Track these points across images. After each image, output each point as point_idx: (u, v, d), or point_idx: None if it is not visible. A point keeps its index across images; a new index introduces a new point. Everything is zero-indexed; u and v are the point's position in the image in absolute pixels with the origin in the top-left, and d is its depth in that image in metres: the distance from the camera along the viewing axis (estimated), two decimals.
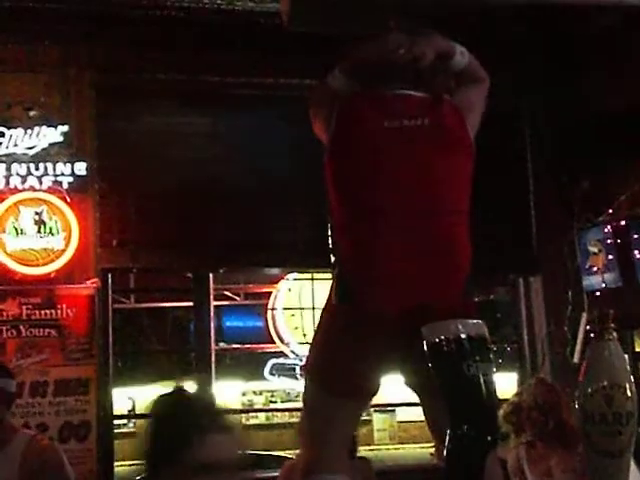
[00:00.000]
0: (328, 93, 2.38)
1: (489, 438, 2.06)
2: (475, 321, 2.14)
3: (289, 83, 6.22)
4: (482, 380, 2.04)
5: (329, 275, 6.86)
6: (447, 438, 1.97)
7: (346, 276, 2.26)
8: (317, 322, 2.45)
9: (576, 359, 6.38)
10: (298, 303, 8.11)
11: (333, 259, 2.38)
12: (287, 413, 14.48)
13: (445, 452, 2.00)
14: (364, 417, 16.05)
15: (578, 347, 6.42)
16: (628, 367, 2.41)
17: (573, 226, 6.72)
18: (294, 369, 8.92)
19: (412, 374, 2.32)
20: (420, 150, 2.29)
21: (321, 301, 7.53)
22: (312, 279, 7.83)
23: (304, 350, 8.43)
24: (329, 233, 6.68)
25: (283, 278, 8.69)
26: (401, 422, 15.99)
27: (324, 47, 6.19)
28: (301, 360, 8.61)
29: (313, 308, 7.75)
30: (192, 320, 6.93)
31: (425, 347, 2.09)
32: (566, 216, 6.67)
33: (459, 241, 2.36)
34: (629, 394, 2.25)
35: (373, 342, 2.22)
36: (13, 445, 3.16)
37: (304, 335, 8.18)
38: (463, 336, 2.06)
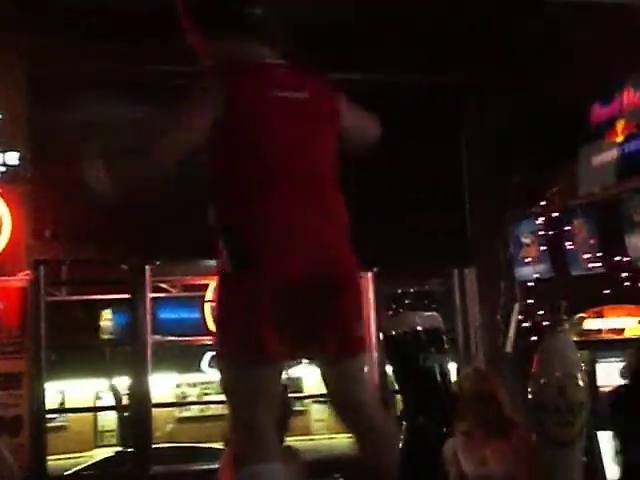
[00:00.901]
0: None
1: (445, 428, 2.11)
2: (430, 313, 2.20)
3: None
4: (437, 371, 2.09)
5: None
6: (403, 428, 2.01)
7: (242, 244, 2.30)
8: (215, 299, 2.46)
9: (508, 349, 6.53)
10: None
11: (219, 230, 2.36)
12: (221, 405, 14.42)
13: (402, 442, 2.04)
14: (301, 407, 16.06)
15: (510, 337, 6.56)
16: (579, 358, 2.49)
17: (506, 218, 6.86)
18: None
19: (317, 336, 2.38)
20: (303, 121, 2.40)
21: None
22: None
23: None
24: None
25: None
26: None
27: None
28: None
29: None
30: (126, 312, 6.85)
31: (382, 339, 2.14)
32: (499, 208, 6.81)
33: (342, 205, 2.47)
34: (581, 384, 2.31)
35: (277, 305, 2.27)
36: None
37: None
38: (419, 328, 2.11)
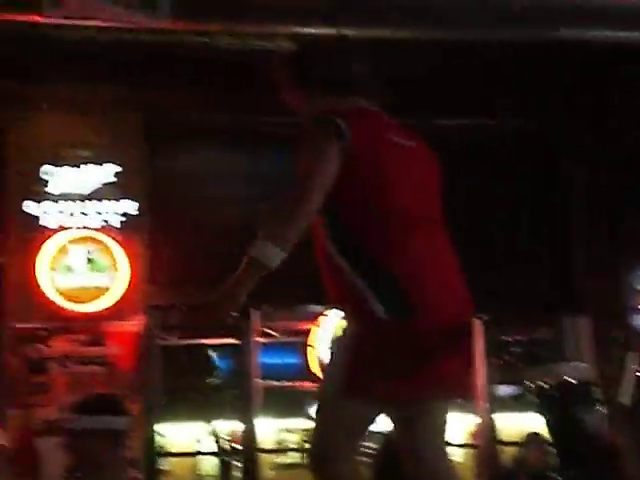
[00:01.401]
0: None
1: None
2: (578, 363, 2.16)
3: None
4: (589, 423, 2.04)
5: None
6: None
7: (400, 289, 2.23)
8: (347, 341, 2.31)
9: (625, 400, 6.30)
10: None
11: (368, 279, 2.28)
12: None
13: None
14: None
15: (627, 388, 6.34)
16: None
17: (619, 265, 6.68)
18: None
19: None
20: (418, 167, 2.40)
21: None
22: None
23: None
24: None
25: (323, 315, 8.67)
26: None
27: None
28: None
29: None
30: (233, 357, 6.94)
31: (534, 390, 2.10)
32: (613, 256, 6.63)
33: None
34: None
35: (424, 353, 2.24)
36: None
37: None
38: (570, 380, 2.07)
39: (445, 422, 2.40)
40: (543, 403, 1.77)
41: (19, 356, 5.95)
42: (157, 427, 6.51)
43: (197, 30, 5.94)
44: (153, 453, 6.14)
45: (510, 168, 6.59)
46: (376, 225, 2.28)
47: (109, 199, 6.11)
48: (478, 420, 6.54)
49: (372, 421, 2.39)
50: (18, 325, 5.97)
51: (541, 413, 1.78)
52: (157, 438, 6.74)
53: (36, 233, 6.03)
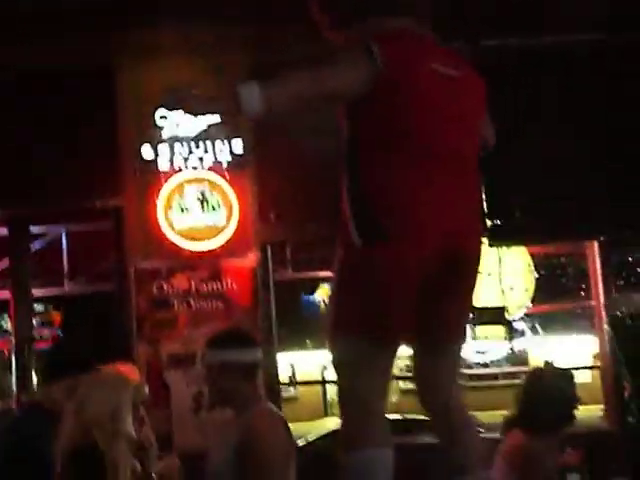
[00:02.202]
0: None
1: None
2: None
3: None
4: None
5: (484, 240, 6.81)
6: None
7: (375, 215, 2.16)
8: (336, 277, 2.27)
9: None
10: None
11: (349, 200, 2.21)
12: None
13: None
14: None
15: None
16: None
17: None
18: None
19: (428, 318, 2.27)
20: (455, 99, 2.30)
21: None
22: None
23: None
24: (483, 198, 6.61)
25: None
26: None
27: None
28: None
29: None
30: None
31: (607, 319, 2.06)
32: None
33: (478, 184, 2.42)
34: None
35: (408, 283, 2.17)
36: (246, 416, 3.03)
37: None
38: None
39: (455, 359, 2.40)
40: (618, 332, 1.72)
41: (144, 294, 6.24)
42: (280, 357, 6.72)
43: None
44: (275, 382, 6.35)
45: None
46: (381, 151, 2.22)
47: (217, 139, 6.24)
48: (599, 342, 6.43)
49: (386, 363, 2.27)
50: (140, 265, 6.24)
51: (617, 342, 1.73)
52: (281, 367, 6.96)
53: (152, 176, 6.23)
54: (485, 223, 2.40)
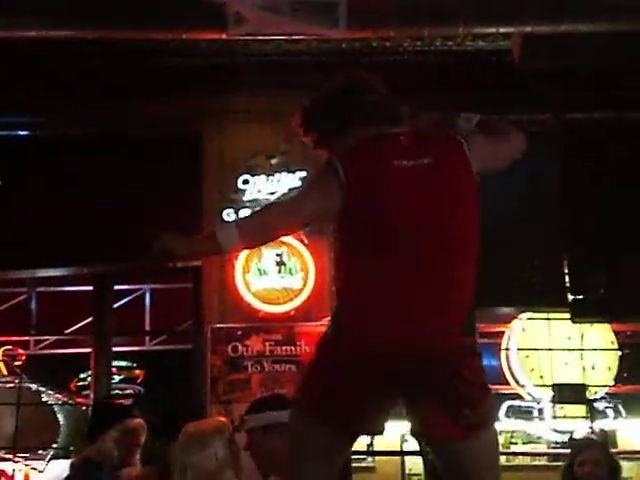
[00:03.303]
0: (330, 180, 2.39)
1: None
2: None
3: (520, 119, 6.15)
4: None
5: (565, 315, 6.69)
6: None
7: (343, 311, 2.32)
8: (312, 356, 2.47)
9: None
10: (533, 344, 7.87)
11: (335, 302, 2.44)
12: (526, 456, 13.95)
13: None
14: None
15: None
16: None
17: None
18: (530, 412, 8.65)
19: (418, 417, 2.31)
20: (429, 189, 2.33)
21: (558, 342, 7.28)
22: (547, 319, 7.58)
23: (541, 393, 8.15)
24: (565, 271, 6.49)
25: (515, 317, 8.49)
26: None
27: (553, 82, 6.12)
28: (538, 403, 8.32)
29: (550, 349, 7.49)
30: None
31: None
32: None
33: (467, 281, 2.36)
34: None
35: (371, 376, 2.24)
36: None
37: (541, 377, 7.92)
38: None
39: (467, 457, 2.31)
40: None
41: (218, 354, 6.30)
42: None
43: (381, 36, 6.05)
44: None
45: None
46: (346, 252, 2.37)
47: None
48: None
49: (338, 450, 2.38)
50: (218, 325, 6.33)
51: None
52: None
53: None
54: (472, 321, 2.33)
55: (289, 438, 2.42)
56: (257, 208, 2.56)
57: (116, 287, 7.18)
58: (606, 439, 6.63)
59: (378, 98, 2.51)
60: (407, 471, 15.19)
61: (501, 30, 5.47)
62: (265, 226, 2.39)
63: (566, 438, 7.87)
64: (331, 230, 2.44)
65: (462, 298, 2.33)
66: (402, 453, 9.00)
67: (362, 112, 2.47)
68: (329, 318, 2.44)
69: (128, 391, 10.20)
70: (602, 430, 6.98)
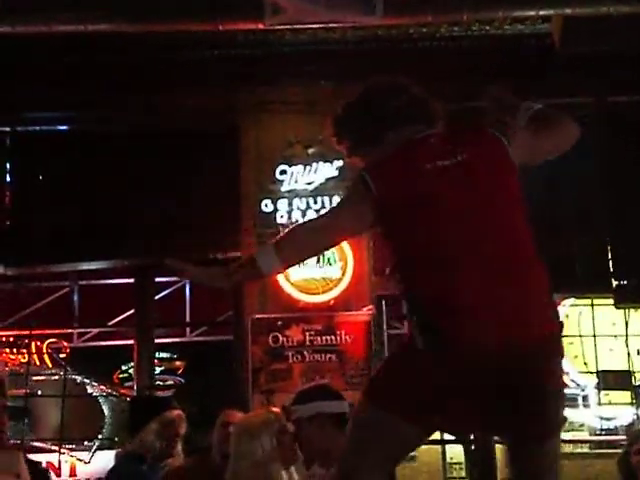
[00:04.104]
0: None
1: None
2: None
3: (557, 104, 6.06)
4: None
5: (609, 301, 6.60)
6: None
7: (433, 325, 2.21)
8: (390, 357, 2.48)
9: None
10: (577, 330, 7.79)
11: (408, 311, 2.33)
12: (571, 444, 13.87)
13: None
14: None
15: None
16: None
17: None
18: (575, 399, 8.56)
19: (508, 415, 2.24)
20: (470, 183, 2.29)
21: (602, 328, 7.19)
22: (592, 305, 7.49)
23: (585, 379, 8.06)
24: (608, 257, 6.40)
25: (559, 304, 8.42)
26: None
27: (595, 65, 6.02)
28: (582, 390, 8.23)
29: (594, 336, 7.41)
30: None
31: None
32: None
33: (537, 271, 2.28)
34: None
35: (461, 386, 2.19)
36: None
37: (585, 364, 7.84)
38: None
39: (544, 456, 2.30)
40: None
41: (259, 344, 6.33)
42: None
43: (418, 22, 6.00)
44: None
45: None
46: (411, 266, 2.30)
47: (334, 194, 6.32)
48: None
49: (408, 444, 2.37)
50: (258, 316, 6.35)
51: None
52: None
53: (271, 229, 6.37)
54: (556, 313, 2.25)
55: (354, 428, 2.37)
56: (291, 226, 2.47)
57: (157, 279, 7.22)
58: None
59: (409, 100, 2.46)
60: (448, 460, 15.18)
61: (541, 13, 5.39)
62: (302, 246, 2.38)
63: (611, 425, 7.78)
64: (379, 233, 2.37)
65: (539, 280, 2.29)
66: (443, 442, 8.93)
67: (393, 117, 2.44)
68: (408, 320, 2.36)
69: (169, 382, 10.30)
70: None
